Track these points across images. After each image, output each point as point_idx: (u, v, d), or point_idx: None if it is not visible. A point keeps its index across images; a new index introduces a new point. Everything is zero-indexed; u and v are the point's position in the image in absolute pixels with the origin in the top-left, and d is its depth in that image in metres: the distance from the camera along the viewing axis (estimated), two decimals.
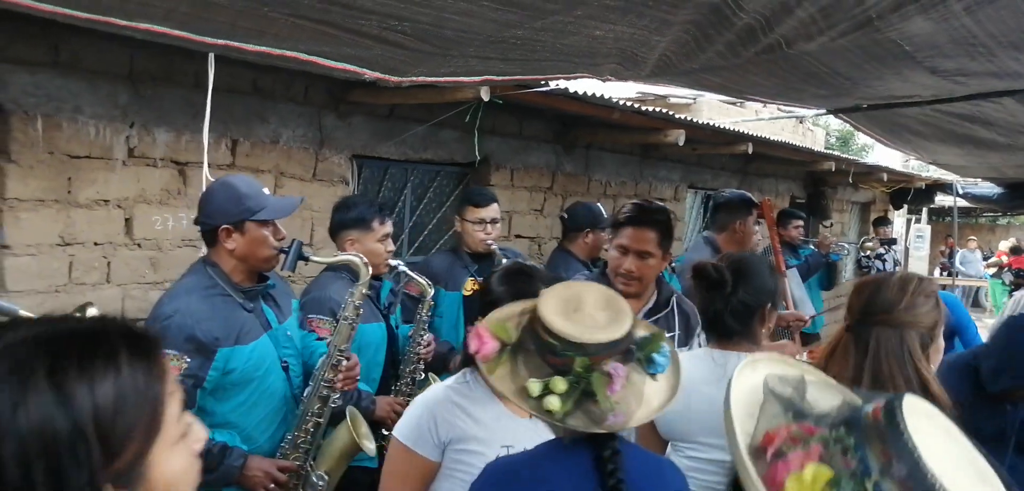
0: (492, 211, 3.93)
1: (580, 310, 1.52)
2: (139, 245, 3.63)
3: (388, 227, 3.22)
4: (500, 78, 2.76)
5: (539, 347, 1.50)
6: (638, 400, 1.50)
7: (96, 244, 3.48)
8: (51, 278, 3.32)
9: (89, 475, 0.77)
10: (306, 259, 2.53)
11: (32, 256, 3.26)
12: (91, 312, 2.10)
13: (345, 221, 3.16)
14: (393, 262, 3.26)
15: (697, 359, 2.20)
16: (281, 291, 2.71)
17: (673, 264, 5.03)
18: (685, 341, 2.85)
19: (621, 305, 1.56)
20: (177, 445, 0.88)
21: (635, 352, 1.53)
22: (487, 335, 1.55)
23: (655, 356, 1.54)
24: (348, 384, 2.66)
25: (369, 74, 2.69)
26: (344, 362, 2.57)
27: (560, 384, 1.45)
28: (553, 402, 1.44)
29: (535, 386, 1.46)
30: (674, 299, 2.89)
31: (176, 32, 2.10)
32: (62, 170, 3.31)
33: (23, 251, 3.23)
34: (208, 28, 2.11)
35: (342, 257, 2.72)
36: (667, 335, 2.99)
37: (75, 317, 0.86)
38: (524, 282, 1.93)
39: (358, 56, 2.41)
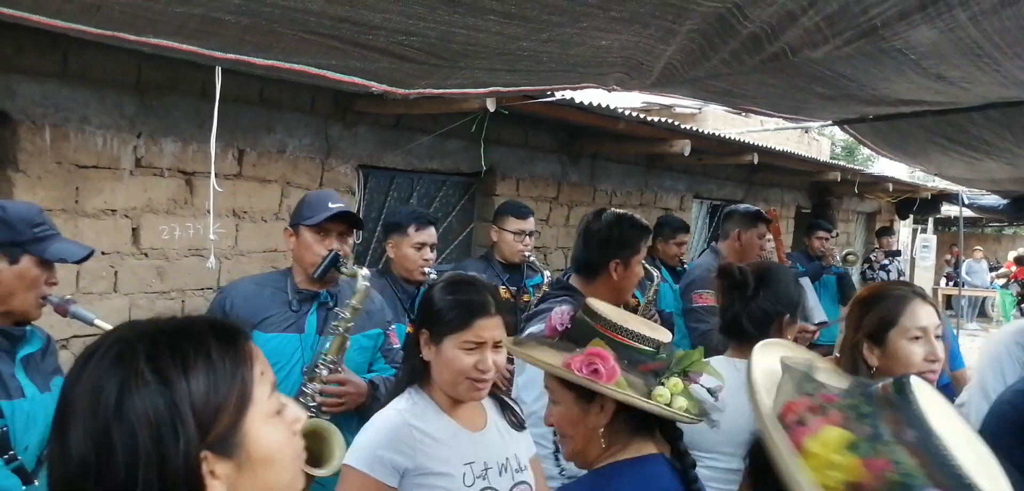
0: (531, 224, 4.12)
1: (627, 317, 1.56)
2: (146, 255, 3.64)
3: (425, 236, 3.34)
4: (507, 89, 2.76)
5: (633, 357, 1.50)
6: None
7: (103, 253, 3.49)
8: (59, 287, 3.32)
9: (186, 445, 0.89)
10: (340, 270, 2.61)
11: None
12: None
13: (388, 225, 3.46)
14: (428, 270, 3.32)
15: (719, 368, 2.19)
16: (361, 311, 2.61)
17: (682, 264, 5.05)
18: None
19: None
20: (272, 419, 0.99)
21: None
22: (608, 355, 1.50)
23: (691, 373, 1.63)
24: (333, 406, 2.51)
25: (377, 87, 2.70)
26: (326, 372, 2.48)
27: (675, 383, 1.48)
28: (681, 401, 1.47)
29: (663, 393, 1.47)
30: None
31: (185, 46, 2.12)
32: (70, 180, 3.33)
33: None
34: (217, 43, 2.13)
35: (351, 269, 2.69)
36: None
37: (169, 315, 1.00)
38: (468, 292, 1.90)
39: (366, 69, 2.42)
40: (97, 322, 2.16)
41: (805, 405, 1.19)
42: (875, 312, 1.95)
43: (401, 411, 1.87)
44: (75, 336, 3.33)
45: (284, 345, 2.53)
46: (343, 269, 2.61)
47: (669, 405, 1.45)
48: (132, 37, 2.06)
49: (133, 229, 3.59)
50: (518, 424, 2.05)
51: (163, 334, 0.94)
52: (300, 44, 2.08)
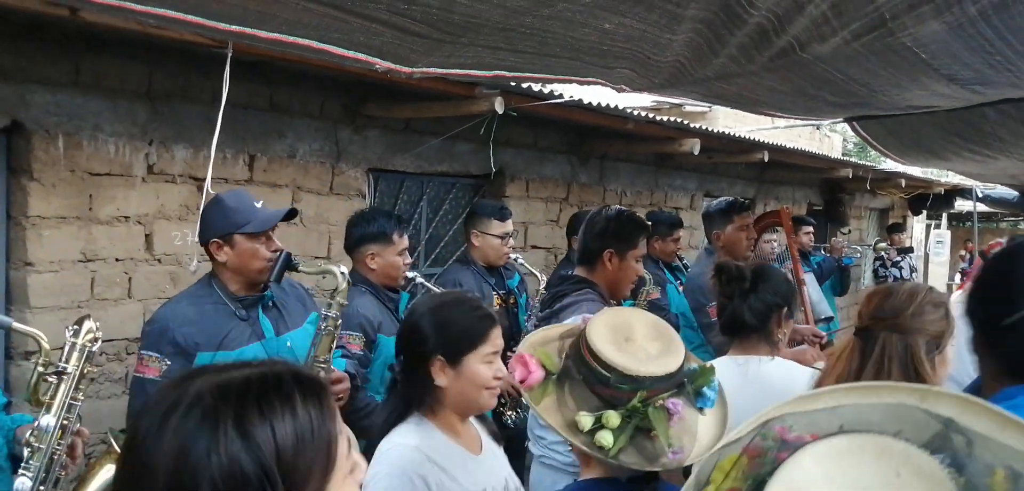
0: (511, 225, 4.00)
1: (631, 340, 1.45)
2: (159, 260, 3.67)
3: (406, 241, 3.24)
4: (512, 74, 2.75)
5: (587, 377, 1.42)
6: (691, 437, 1.42)
7: (117, 260, 3.52)
8: (73, 294, 3.36)
9: None
10: (295, 268, 2.57)
11: (54, 273, 3.31)
12: (87, 326, 2.14)
13: (366, 235, 3.17)
14: (410, 274, 3.27)
15: (719, 365, 2.20)
16: (293, 303, 2.69)
17: (686, 266, 5.04)
18: None
19: (672, 335, 1.49)
20: (346, 481, 0.92)
21: (686, 386, 1.46)
22: (534, 363, 1.46)
23: (705, 390, 1.47)
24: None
25: (380, 64, 2.66)
26: (322, 374, 2.47)
27: (613, 419, 1.36)
28: (606, 437, 1.36)
29: (586, 420, 1.38)
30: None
31: (190, 18, 2.10)
32: (83, 187, 3.36)
33: (46, 268, 3.28)
34: (221, 13, 2.11)
35: (325, 266, 2.69)
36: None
37: (249, 363, 0.92)
38: (475, 305, 1.86)
39: (369, 43, 2.39)
40: (16, 326, 2.19)
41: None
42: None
43: (415, 448, 1.77)
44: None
45: (252, 357, 2.50)
46: (300, 267, 2.58)
47: (590, 436, 1.37)
48: (138, 7, 2.04)
49: (146, 235, 3.62)
50: (496, 437, 2.03)
51: (250, 389, 0.87)
52: (303, 14, 2.06)
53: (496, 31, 2.14)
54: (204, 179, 3.75)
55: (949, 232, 14.66)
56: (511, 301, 3.98)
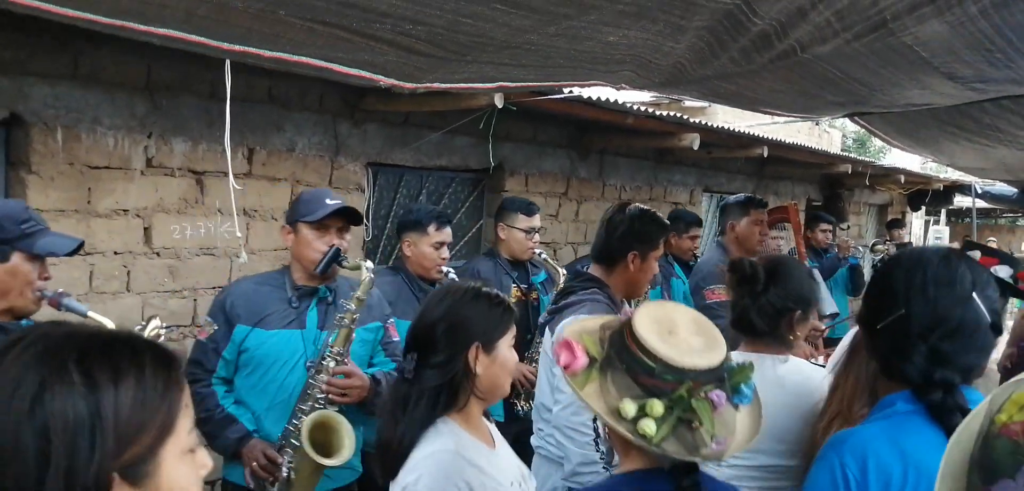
0: (538, 220, 4.12)
1: (674, 333, 1.46)
2: (158, 254, 3.67)
3: (443, 235, 3.39)
4: (514, 85, 2.76)
5: (631, 366, 1.43)
6: (729, 431, 1.44)
7: (116, 253, 3.52)
8: (72, 287, 3.35)
9: (100, 459, 0.83)
10: (342, 264, 2.64)
11: (52, 266, 3.30)
12: (153, 323, 2.21)
13: (405, 223, 3.45)
14: (445, 268, 3.35)
15: None
16: (365, 302, 2.66)
17: (696, 258, 5.06)
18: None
19: (714, 330, 1.51)
20: (185, 457, 0.93)
21: (726, 381, 1.47)
22: (580, 349, 1.47)
23: (743, 386, 1.48)
24: (339, 397, 2.55)
25: (384, 80, 2.69)
26: (332, 364, 2.52)
27: (657, 407, 1.38)
28: (649, 426, 1.37)
29: (630, 407, 1.39)
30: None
31: (193, 37, 2.11)
32: (82, 181, 3.36)
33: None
34: (225, 34, 2.12)
35: (358, 262, 2.73)
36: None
37: (109, 327, 0.94)
38: (493, 295, 1.89)
39: (373, 61, 2.41)
40: (91, 315, 2.20)
41: None
42: None
43: (454, 453, 1.75)
44: None
45: (286, 341, 2.57)
46: (345, 264, 2.65)
47: (633, 423, 1.38)
48: (141, 27, 2.06)
49: (145, 229, 3.62)
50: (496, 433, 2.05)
51: (97, 339, 0.89)
52: (308, 35, 2.07)
53: (501, 48, 2.14)
54: (203, 173, 3.77)
55: (948, 228, 14.68)
56: (532, 296, 4.04)
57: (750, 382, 1.49)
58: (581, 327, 1.57)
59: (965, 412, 1.32)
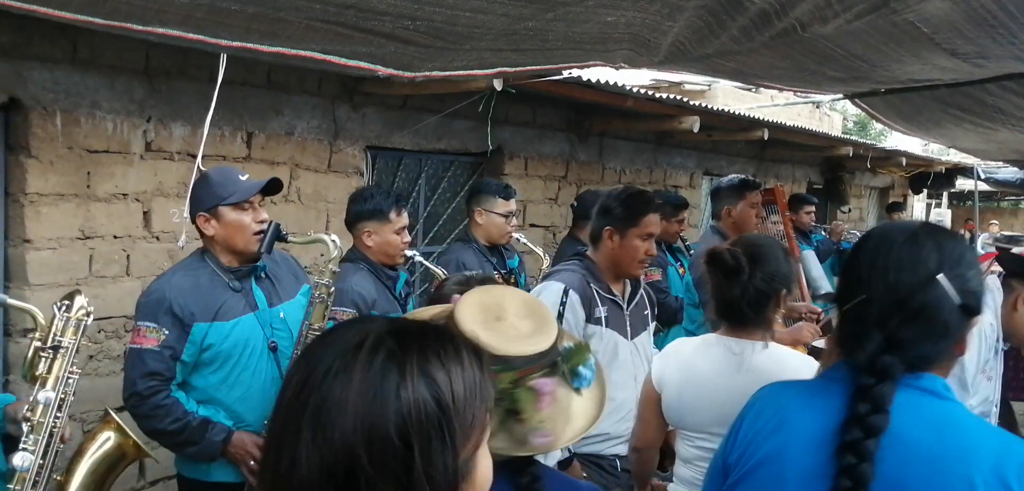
0: (515, 204, 4.03)
1: (502, 318, 1.37)
2: (157, 238, 3.67)
3: (404, 219, 3.21)
4: (513, 69, 2.75)
5: None
6: (565, 418, 1.36)
7: (115, 237, 3.52)
8: (72, 271, 3.36)
9: (454, 454, 0.85)
10: (285, 239, 2.60)
11: (53, 250, 3.31)
12: (79, 301, 2.16)
13: (362, 212, 3.16)
14: (409, 252, 3.26)
15: (712, 348, 2.17)
16: (285, 275, 2.70)
17: (689, 248, 5.04)
18: (654, 317, 3.09)
19: (545, 312, 1.42)
20: (484, 448, 0.93)
21: (560, 365, 1.38)
22: None
23: (581, 369, 1.39)
24: None
25: (383, 71, 2.70)
26: None
27: None
28: None
29: None
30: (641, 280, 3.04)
31: (192, 36, 2.12)
32: (81, 165, 3.35)
33: (44, 245, 3.27)
34: (223, 32, 2.13)
35: (316, 236, 2.74)
36: (645, 312, 2.98)
37: (413, 318, 0.95)
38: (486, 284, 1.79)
39: (371, 53, 2.42)
40: (8, 301, 2.23)
41: None
42: None
43: None
44: None
45: (247, 328, 2.52)
46: (292, 238, 2.61)
47: None
48: (139, 28, 2.07)
49: (144, 213, 3.62)
50: None
51: (426, 335, 0.90)
52: (306, 32, 2.08)
53: (499, 36, 2.14)
54: (202, 156, 3.76)
55: (949, 211, 14.66)
56: (512, 281, 3.98)
57: (588, 363, 1.40)
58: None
59: (880, 408, 1.25)
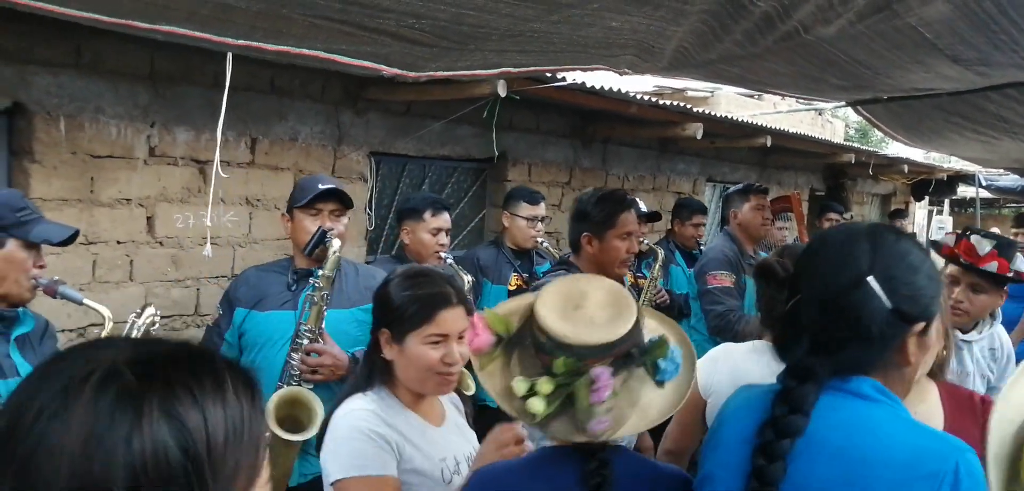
0: (543, 209, 4.14)
1: (581, 307, 1.40)
2: (161, 243, 3.67)
3: (440, 221, 3.43)
4: (517, 70, 2.76)
5: (534, 343, 1.38)
6: (633, 407, 1.37)
7: (119, 242, 3.52)
8: (75, 277, 3.36)
9: None
10: (326, 246, 2.67)
11: (56, 255, 3.30)
12: (148, 311, 2.25)
13: (403, 211, 3.51)
14: (444, 255, 3.39)
15: (762, 354, 2.13)
16: (351, 287, 2.71)
17: (700, 246, 5.07)
18: None
19: (627, 304, 1.43)
20: (263, 489, 0.81)
21: (637, 357, 1.40)
22: (483, 327, 1.43)
23: (660, 362, 1.41)
24: (313, 376, 2.53)
25: (387, 70, 2.71)
26: (306, 341, 2.54)
27: (546, 385, 1.31)
28: (537, 404, 1.31)
29: (521, 386, 1.34)
30: None
31: (197, 33, 2.13)
32: (84, 170, 3.36)
33: (47, 250, 3.26)
34: (228, 30, 2.14)
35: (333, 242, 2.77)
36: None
37: (168, 339, 0.79)
38: (426, 284, 1.81)
39: (376, 53, 2.42)
40: (86, 302, 2.26)
41: None
42: None
43: (371, 411, 1.74)
44: (71, 328, 3.36)
45: (278, 322, 2.60)
46: (329, 245, 2.67)
47: (522, 402, 1.33)
48: (144, 26, 2.08)
49: (148, 218, 3.62)
50: (466, 414, 2.02)
51: (175, 363, 0.74)
52: (310, 30, 2.08)
53: (504, 37, 2.14)
54: (206, 162, 3.77)
55: (951, 218, 14.63)
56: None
57: (669, 356, 1.42)
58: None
59: (797, 410, 1.23)
